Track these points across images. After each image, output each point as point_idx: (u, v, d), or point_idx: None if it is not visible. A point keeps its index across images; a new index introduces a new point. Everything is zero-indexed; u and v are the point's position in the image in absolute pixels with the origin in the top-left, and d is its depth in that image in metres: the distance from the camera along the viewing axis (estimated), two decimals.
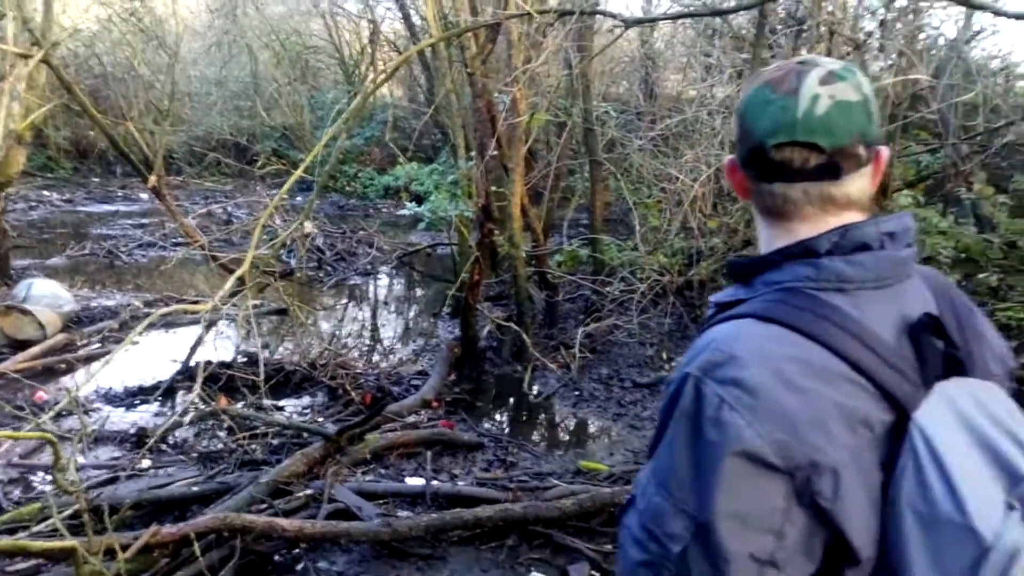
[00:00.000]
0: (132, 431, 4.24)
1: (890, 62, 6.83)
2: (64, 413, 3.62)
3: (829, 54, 5.49)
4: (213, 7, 13.97)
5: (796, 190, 0.91)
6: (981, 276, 5.51)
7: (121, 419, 4.57)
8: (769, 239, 0.97)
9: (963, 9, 6.62)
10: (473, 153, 6.84)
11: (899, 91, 6.13)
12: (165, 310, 3.53)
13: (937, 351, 0.86)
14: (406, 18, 9.51)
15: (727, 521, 0.78)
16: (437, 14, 6.19)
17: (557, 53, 6.81)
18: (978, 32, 7.98)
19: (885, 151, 0.94)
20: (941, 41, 7.79)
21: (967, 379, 0.84)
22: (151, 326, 3.50)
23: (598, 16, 6.62)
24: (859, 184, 0.91)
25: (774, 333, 0.84)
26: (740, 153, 0.95)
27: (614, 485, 3.60)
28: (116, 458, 4.01)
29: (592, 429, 4.91)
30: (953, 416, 0.80)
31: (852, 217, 0.91)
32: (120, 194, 16.23)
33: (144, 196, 15.83)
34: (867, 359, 0.82)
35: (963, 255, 5.73)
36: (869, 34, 6.61)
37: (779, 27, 5.97)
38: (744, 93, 0.96)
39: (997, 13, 3.90)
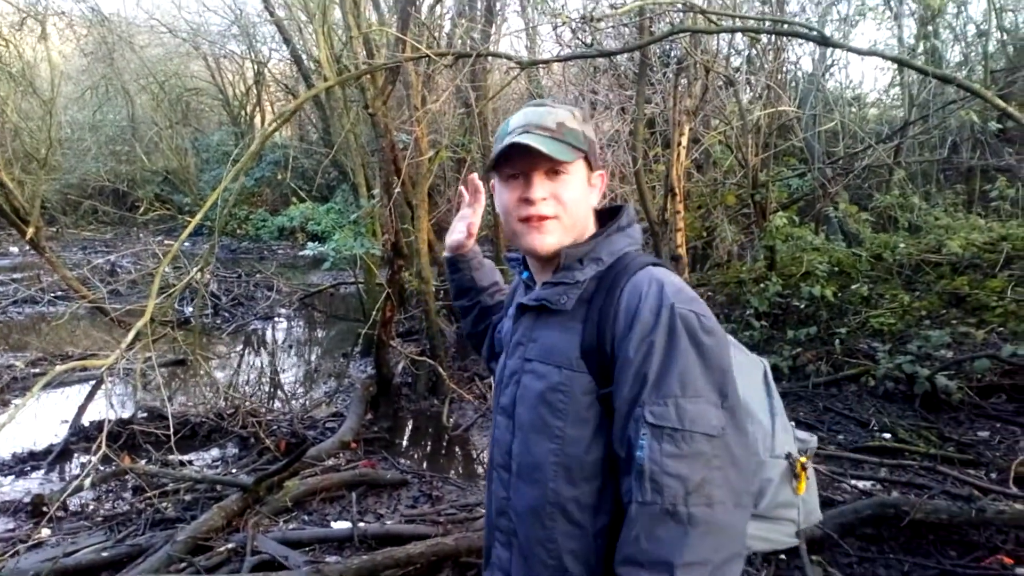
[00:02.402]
0: (27, 499, 3.95)
1: (757, 95, 7.43)
2: None
3: (706, 90, 5.93)
4: (88, 51, 13.33)
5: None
6: (854, 287, 6.03)
7: (12, 487, 4.25)
8: (587, 224, 1.29)
9: (815, 46, 7.31)
10: (375, 191, 6.87)
11: (769, 122, 6.68)
12: (64, 366, 3.36)
13: None
14: (297, 60, 9.45)
15: (736, 393, 1.10)
16: (330, 56, 6.23)
17: (446, 92, 6.99)
18: (830, 65, 8.81)
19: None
20: (800, 75, 8.54)
21: None
22: (49, 384, 3.32)
23: (490, 57, 6.86)
24: None
25: (675, 276, 1.20)
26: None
27: None
28: (11, 530, 3.72)
29: None
30: None
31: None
32: None
33: (14, 249, 14.77)
34: None
35: (836, 268, 6.26)
36: (737, 70, 7.19)
37: (659, 66, 6.39)
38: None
39: (848, 49, 4.34)
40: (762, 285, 6.07)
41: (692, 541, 1.01)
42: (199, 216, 4.42)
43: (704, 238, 7.50)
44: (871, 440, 4.54)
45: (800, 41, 7.25)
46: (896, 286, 6.03)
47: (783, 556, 3.31)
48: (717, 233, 7.14)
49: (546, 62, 4.04)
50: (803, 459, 1.21)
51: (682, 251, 5.74)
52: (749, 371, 1.20)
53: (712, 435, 1.04)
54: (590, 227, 1.26)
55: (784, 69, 7.94)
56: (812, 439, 1.30)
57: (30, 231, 6.87)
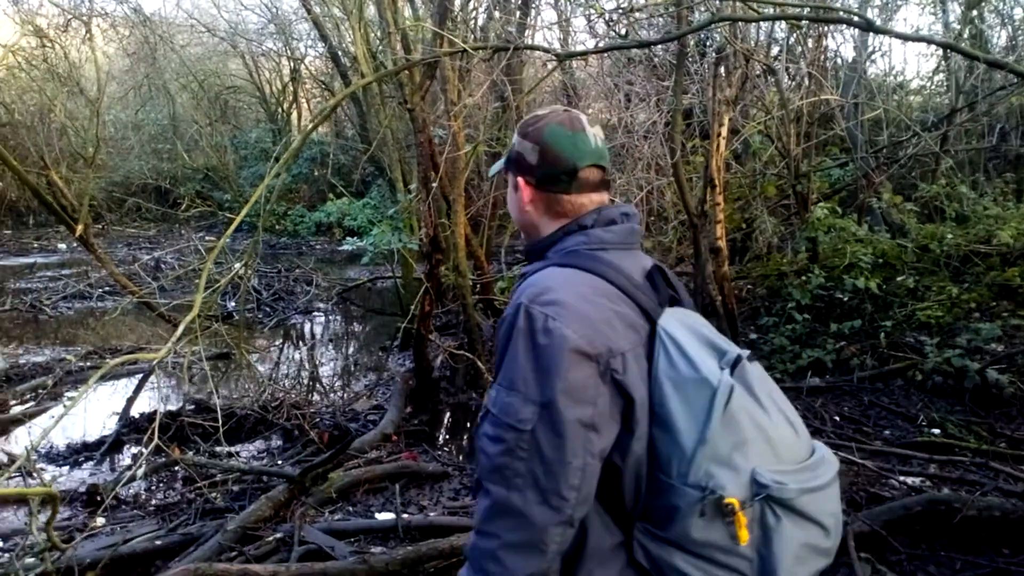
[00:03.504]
0: (82, 489, 4.08)
1: (795, 83, 7.30)
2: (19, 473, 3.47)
3: (746, 79, 5.84)
4: (130, 51, 13.62)
5: (586, 198, 1.29)
6: (899, 279, 5.90)
7: (68, 478, 4.39)
8: (551, 228, 1.32)
9: (858, 32, 7.15)
10: (413, 186, 6.91)
11: (811, 111, 6.55)
12: (118, 360, 3.45)
13: (664, 288, 1.26)
14: (334, 57, 9.58)
15: (562, 397, 1.08)
16: (367, 53, 6.28)
17: (484, 86, 6.99)
18: (872, 52, 8.60)
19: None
20: (840, 62, 8.36)
21: (678, 308, 1.25)
22: (104, 376, 3.42)
23: (526, 51, 6.84)
24: (608, 196, 1.34)
25: (570, 272, 1.21)
26: (540, 176, 1.30)
27: None
28: (67, 518, 3.85)
29: None
30: (680, 323, 1.19)
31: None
32: (36, 245, 15.51)
33: (62, 246, 15.20)
34: (629, 287, 1.20)
35: (881, 260, 6.13)
36: (776, 57, 7.07)
37: (696, 56, 6.32)
38: (537, 132, 1.29)
39: (895, 35, 4.24)
40: (804, 277, 5.97)
41: (489, 513, 1.11)
42: (243, 212, 4.49)
43: (743, 230, 7.40)
44: (919, 436, 4.44)
45: (842, 27, 7.10)
46: (944, 278, 5.89)
47: None
48: (756, 225, 7.04)
49: (584, 54, 4.02)
50: (731, 500, 1.05)
51: (722, 243, 5.68)
52: (691, 391, 1.11)
53: (518, 428, 1.09)
54: (542, 227, 1.33)
55: (825, 57, 7.78)
56: (789, 488, 1.07)
57: (79, 228, 7.07)
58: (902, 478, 3.89)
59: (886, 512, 3.41)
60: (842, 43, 8.63)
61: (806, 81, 7.03)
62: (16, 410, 5.57)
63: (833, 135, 7.59)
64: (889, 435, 4.55)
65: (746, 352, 1.17)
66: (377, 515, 3.80)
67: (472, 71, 6.92)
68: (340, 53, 10.89)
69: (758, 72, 6.54)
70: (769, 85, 7.12)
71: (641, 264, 1.27)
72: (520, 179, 1.32)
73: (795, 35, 7.17)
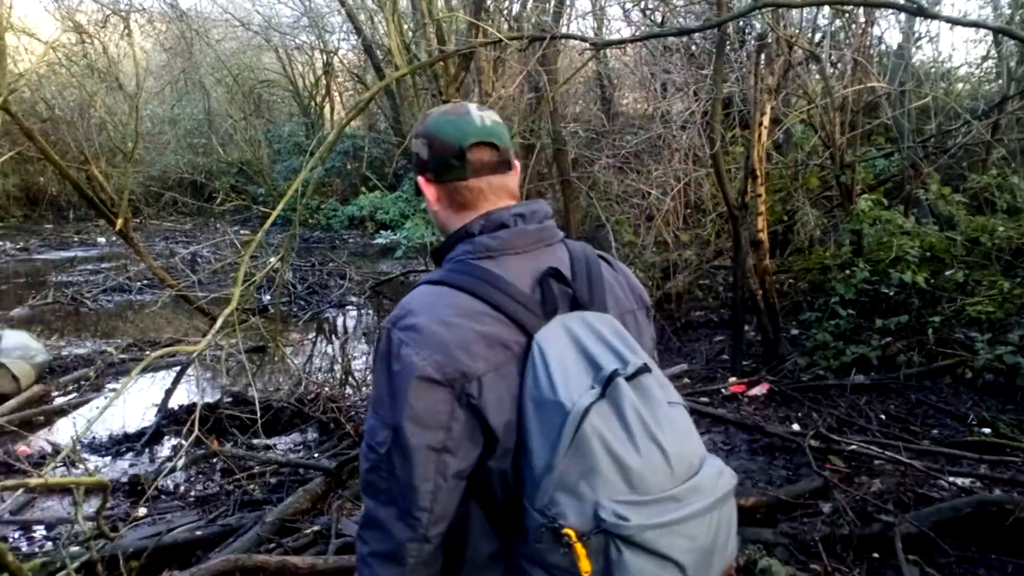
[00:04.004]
0: (123, 479, 4.13)
1: (837, 71, 7.10)
2: (63, 464, 3.52)
3: (789, 67, 5.69)
4: (167, 46, 13.80)
5: (483, 182, 1.24)
6: (948, 273, 5.71)
7: (110, 468, 4.45)
8: (458, 225, 1.26)
9: (904, 17, 6.93)
10: None
11: (856, 99, 6.37)
12: (159, 352, 3.48)
13: (563, 293, 1.19)
14: (368, 50, 9.59)
15: (409, 423, 1.08)
16: (400, 45, 6.25)
17: (521, 76, 6.92)
18: (919, 38, 8.35)
19: (518, 164, 1.32)
20: (884, 48, 8.12)
21: (584, 312, 1.17)
22: (147, 368, 3.45)
23: (561, 40, 6.77)
24: (514, 179, 1.29)
25: (438, 291, 1.17)
26: (434, 167, 1.26)
27: None
28: (110, 508, 3.89)
29: None
30: (564, 334, 1.12)
31: (511, 203, 1.27)
32: (76, 239, 15.84)
33: (101, 240, 15.50)
34: (503, 301, 1.13)
35: (928, 253, 5.93)
36: (819, 44, 6.88)
37: (739, 44, 6.17)
38: (424, 127, 1.27)
39: (947, 20, 4.07)
40: (848, 271, 5.81)
41: (363, 522, 1.17)
42: (280, 206, 4.50)
43: (784, 222, 7.24)
44: (969, 435, 4.30)
45: (888, 13, 6.89)
46: (995, 272, 5.68)
47: (876, 554, 3.18)
48: (798, 217, 6.87)
49: (621, 42, 3.94)
50: (569, 531, 1.00)
51: (763, 236, 5.55)
52: (547, 414, 1.06)
53: (377, 449, 1.12)
54: (450, 225, 1.29)
55: (870, 43, 7.57)
56: (630, 524, 0.99)
57: (119, 222, 7.18)
58: (951, 479, 3.76)
59: (935, 513, 3.30)
60: (887, 29, 8.38)
61: (849, 69, 6.84)
62: (59, 401, 5.67)
63: (878, 124, 7.38)
64: (937, 434, 4.40)
65: (635, 365, 1.08)
66: None
67: (506, 62, 6.86)
68: (374, 46, 10.89)
69: (800, 59, 6.37)
70: (812, 73, 6.94)
71: (536, 268, 1.19)
72: (421, 179, 1.30)
73: (839, 21, 6.98)
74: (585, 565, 1.00)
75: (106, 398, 5.54)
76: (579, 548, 1.00)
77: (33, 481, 2.01)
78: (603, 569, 1.01)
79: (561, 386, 1.06)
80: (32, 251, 14.52)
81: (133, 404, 5.61)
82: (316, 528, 3.41)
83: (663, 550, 1.01)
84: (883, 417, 4.65)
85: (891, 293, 5.75)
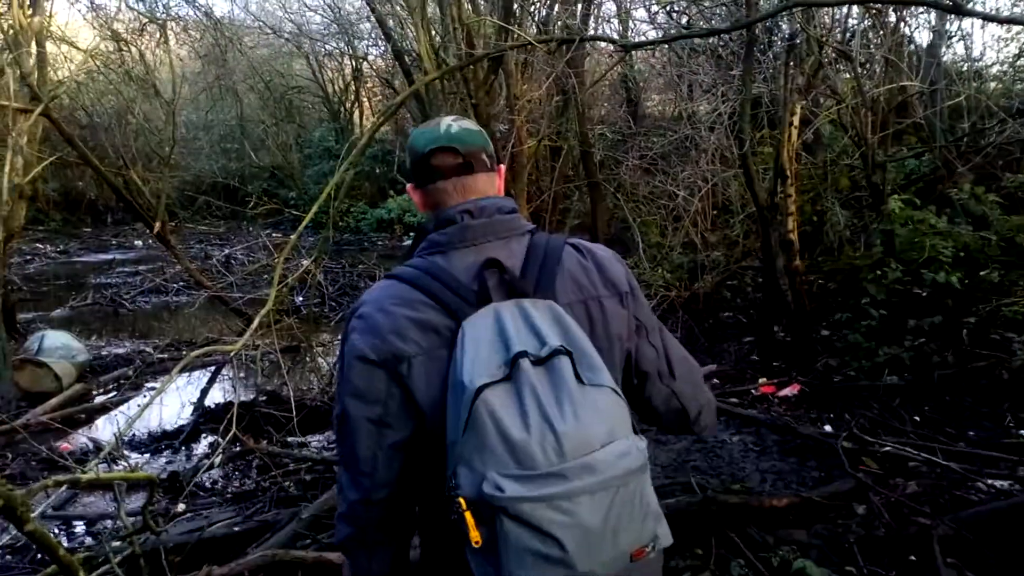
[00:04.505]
0: (163, 476, 4.24)
1: (867, 71, 7.02)
2: (105, 460, 3.62)
3: (819, 67, 5.66)
4: (203, 53, 14.08)
5: (449, 184, 1.34)
6: (983, 273, 5.61)
7: (149, 465, 4.57)
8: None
9: (935, 15, 6.84)
10: None
11: (888, 98, 6.31)
12: (197, 352, 3.58)
13: (501, 282, 1.26)
14: (397, 55, 9.64)
15: (351, 399, 1.24)
16: (430, 50, 6.33)
17: (550, 79, 6.96)
18: (950, 37, 8.22)
19: (503, 167, 1.44)
20: (915, 47, 8.02)
21: (523, 299, 1.23)
22: (186, 368, 3.54)
23: (588, 43, 6.79)
24: (485, 180, 1.37)
25: (388, 283, 1.31)
26: (412, 175, 1.38)
27: None
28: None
29: None
30: (491, 319, 1.19)
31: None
32: (114, 242, 16.22)
33: (139, 243, 15.85)
34: (438, 290, 1.25)
35: (962, 254, 5.83)
36: (849, 42, 6.81)
37: (768, 44, 6.15)
38: (408, 140, 1.41)
39: (984, 18, 4.03)
40: (880, 272, 5.74)
41: (336, 486, 1.38)
42: (313, 210, 4.60)
43: (814, 223, 7.18)
44: (1007, 437, 4.23)
45: (920, 11, 6.81)
46: None
47: (912, 557, 3.15)
48: (828, 218, 6.82)
49: (651, 44, 3.96)
50: (461, 500, 1.08)
51: (793, 236, 5.51)
52: (455, 393, 1.15)
53: (334, 422, 1.31)
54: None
55: (901, 42, 7.48)
56: (504, 496, 1.05)
57: (157, 225, 7.37)
58: (989, 481, 3.71)
59: (973, 516, 3.26)
60: (917, 28, 8.25)
61: (879, 68, 6.77)
62: (100, 400, 5.83)
63: (910, 124, 7.29)
64: (973, 436, 4.34)
65: (551, 348, 1.14)
66: None
67: (534, 65, 6.90)
68: (403, 51, 10.99)
69: (830, 59, 6.32)
70: (841, 72, 6.88)
71: (476, 261, 1.28)
72: (409, 187, 1.43)
73: (869, 19, 6.91)
74: (474, 534, 1.08)
75: (146, 396, 5.70)
76: (468, 516, 1.08)
77: (85, 477, 2.09)
78: (489, 538, 1.08)
79: (468, 367, 1.13)
80: (72, 254, 14.90)
81: (171, 403, 5.75)
82: None
83: (540, 523, 1.05)
84: (917, 419, 4.60)
85: (924, 294, 5.67)
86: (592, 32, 7.54)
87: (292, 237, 4.28)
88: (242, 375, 6.60)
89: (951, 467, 3.78)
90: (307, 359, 7.14)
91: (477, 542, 1.08)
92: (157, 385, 6.15)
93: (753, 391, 5.28)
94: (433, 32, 7.90)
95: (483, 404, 1.09)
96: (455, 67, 4.92)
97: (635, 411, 1.41)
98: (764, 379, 5.45)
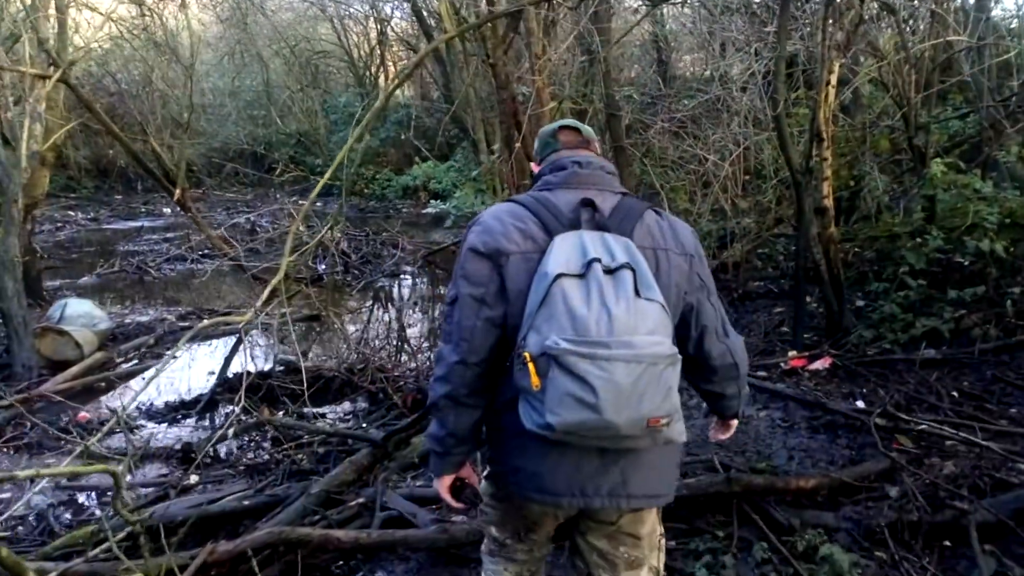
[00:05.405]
0: (177, 447, 4.21)
1: (910, 27, 6.63)
2: (108, 431, 3.58)
3: (860, 22, 5.32)
4: (223, 17, 13.94)
5: (567, 150, 1.80)
6: None
7: (165, 435, 4.55)
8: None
9: None
10: (495, 147, 6.75)
11: (932, 55, 5.94)
12: (206, 323, 3.50)
13: (591, 217, 1.63)
14: (418, 15, 9.44)
15: (462, 280, 1.64)
16: (450, 8, 6.10)
17: (570, 37, 6.69)
18: None
19: (596, 143, 1.87)
20: (960, 2, 7.56)
21: (605, 232, 1.58)
22: (193, 339, 3.47)
23: None
24: (590, 152, 1.82)
25: (506, 205, 1.71)
26: (539, 151, 1.87)
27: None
28: (164, 475, 3.98)
29: None
30: (576, 238, 1.55)
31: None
32: (143, 210, 16.35)
33: (167, 211, 15.95)
34: (542, 213, 1.63)
35: (1008, 220, 5.52)
36: None
37: None
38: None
39: None
40: (919, 239, 5.47)
41: (435, 356, 1.74)
42: (326, 176, 4.47)
43: (851, 188, 6.86)
44: None
45: None
46: None
47: (948, 543, 2.98)
48: (866, 182, 6.50)
49: None
50: (526, 354, 1.45)
51: (828, 202, 5.25)
52: (539, 281, 1.51)
53: (447, 302, 1.68)
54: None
55: None
56: (559, 347, 1.40)
57: (177, 192, 7.31)
58: None
59: (1012, 500, 3.08)
60: None
61: (921, 25, 6.38)
62: (121, 369, 5.83)
63: (955, 82, 6.89)
64: (1016, 414, 4.12)
65: (619, 262, 1.49)
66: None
67: (558, 23, 6.64)
68: (424, 11, 10.73)
69: (872, 13, 5.96)
70: (883, 29, 6.50)
71: (576, 199, 1.65)
72: (532, 164, 1.95)
73: None
74: (535, 380, 1.44)
75: (156, 369, 5.69)
76: (531, 366, 1.44)
77: (22, 474, 2.01)
78: (544, 384, 1.43)
79: (552, 263, 1.50)
80: (102, 221, 15.05)
81: (193, 371, 5.73)
82: (361, 500, 3.39)
83: (582, 373, 1.39)
84: (956, 395, 4.38)
85: (966, 263, 5.39)
86: None
87: (305, 205, 4.15)
88: (270, 343, 6.56)
89: (991, 447, 3.57)
90: (333, 327, 7.06)
91: (536, 386, 1.43)
92: (178, 354, 6.15)
93: (782, 364, 5.09)
94: None
95: (558, 287, 1.45)
96: (472, 25, 4.71)
97: (691, 367, 1.77)
98: (794, 352, 5.25)
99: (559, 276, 1.45)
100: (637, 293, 1.45)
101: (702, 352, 1.72)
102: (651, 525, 1.83)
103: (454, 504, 1.87)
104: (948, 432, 3.79)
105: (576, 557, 1.89)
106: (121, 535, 2.74)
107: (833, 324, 5.39)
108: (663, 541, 1.92)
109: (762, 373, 5.05)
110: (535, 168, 1.83)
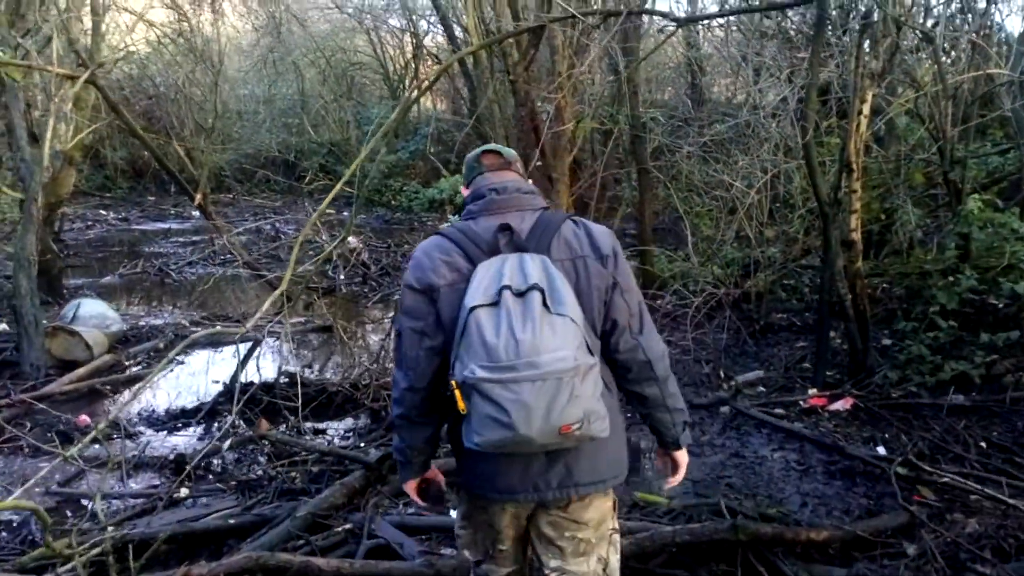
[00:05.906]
0: (172, 457, 4.13)
1: (957, 56, 6.41)
2: (105, 437, 3.51)
3: (896, 50, 5.14)
4: (258, 25, 14.12)
5: (489, 173, 1.95)
6: None
7: (162, 443, 4.48)
8: None
9: None
10: None
11: (972, 88, 5.73)
12: (201, 333, 3.43)
13: (509, 240, 1.76)
14: (448, 29, 9.42)
15: (403, 315, 1.81)
16: (478, 22, 6.03)
17: (602, 58, 6.58)
18: None
19: (519, 163, 2.02)
20: (1003, 36, 7.31)
21: (524, 253, 1.71)
22: (189, 348, 3.39)
23: (645, 17, 6.38)
24: (515, 175, 1.96)
25: (435, 239, 1.85)
26: (466, 174, 2.02)
27: (674, 522, 3.32)
28: (155, 486, 3.90)
29: (646, 456, 4.63)
30: (497, 264, 1.68)
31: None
32: (173, 212, 16.52)
33: (196, 214, 16.10)
34: (465, 243, 1.77)
35: None
36: (934, 25, 6.22)
37: (842, 24, 5.63)
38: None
39: None
40: (952, 278, 5.23)
41: (392, 383, 1.88)
42: (340, 183, 4.40)
43: (881, 221, 6.63)
44: None
45: None
46: None
47: None
48: (898, 216, 6.27)
49: (705, 18, 3.59)
50: (453, 382, 1.61)
51: (856, 235, 5.05)
52: (461, 313, 1.64)
53: (395, 335, 1.90)
54: None
55: (991, 27, 6.82)
56: (475, 376, 1.55)
57: (198, 197, 7.32)
58: None
59: None
60: (1008, 15, 7.53)
61: (961, 56, 6.16)
62: (129, 372, 5.80)
63: (995, 117, 6.65)
64: None
65: (528, 284, 1.60)
66: (453, 512, 3.60)
67: (587, 42, 6.53)
68: (455, 25, 10.73)
69: (910, 43, 5.77)
70: (921, 59, 6.30)
71: (495, 225, 1.78)
72: (462, 188, 2.08)
73: (956, 2, 6.31)
74: (461, 404, 1.59)
75: (171, 370, 5.65)
76: (457, 392, 1.59)
77: None
78: (468, 408, 1.58)
79: (469, 295, 1.64)
80: (132, 221, 15.23)
81: (201, 378, 5.65)
82: (348, 526, 3.27)
83: (496, 397, 1.54)
84: (983, 445, 4.14)
85: (1000, 305, 5.15)
86: (650, 7, 7.11)
87: (311, 218, 4.08)
88: (284, 352, 6.49)
89: (1018, 506, 3.34)
90: (343, 341, 6.97)
91: (463, 410, 1.59)
92: (186, 359, 6.11)
93: (801, 402, 4.88)
94: (485, 6, 7.60)
95: (473, 318, 1.59)
96: (493, 40, 4.63)
97: (612, 366, 1.83)
98: (814, 390, 5.04)
99: (474, 308, 1.60)
100: (548, 309, 1.58)
101: (612, 347, 1.80)
102: (599, 513, 1.89)
103: (421, 503, 2.07)
104: (973, 487, 3.57)
105: (532, 554, 2.01)
106: (95, 552, 2.65)
107: (857, 363, 5.16)
108: (616, 537, 1.98)
109: (779, 411, 4.85)
110: (464, 192, 1.98)
